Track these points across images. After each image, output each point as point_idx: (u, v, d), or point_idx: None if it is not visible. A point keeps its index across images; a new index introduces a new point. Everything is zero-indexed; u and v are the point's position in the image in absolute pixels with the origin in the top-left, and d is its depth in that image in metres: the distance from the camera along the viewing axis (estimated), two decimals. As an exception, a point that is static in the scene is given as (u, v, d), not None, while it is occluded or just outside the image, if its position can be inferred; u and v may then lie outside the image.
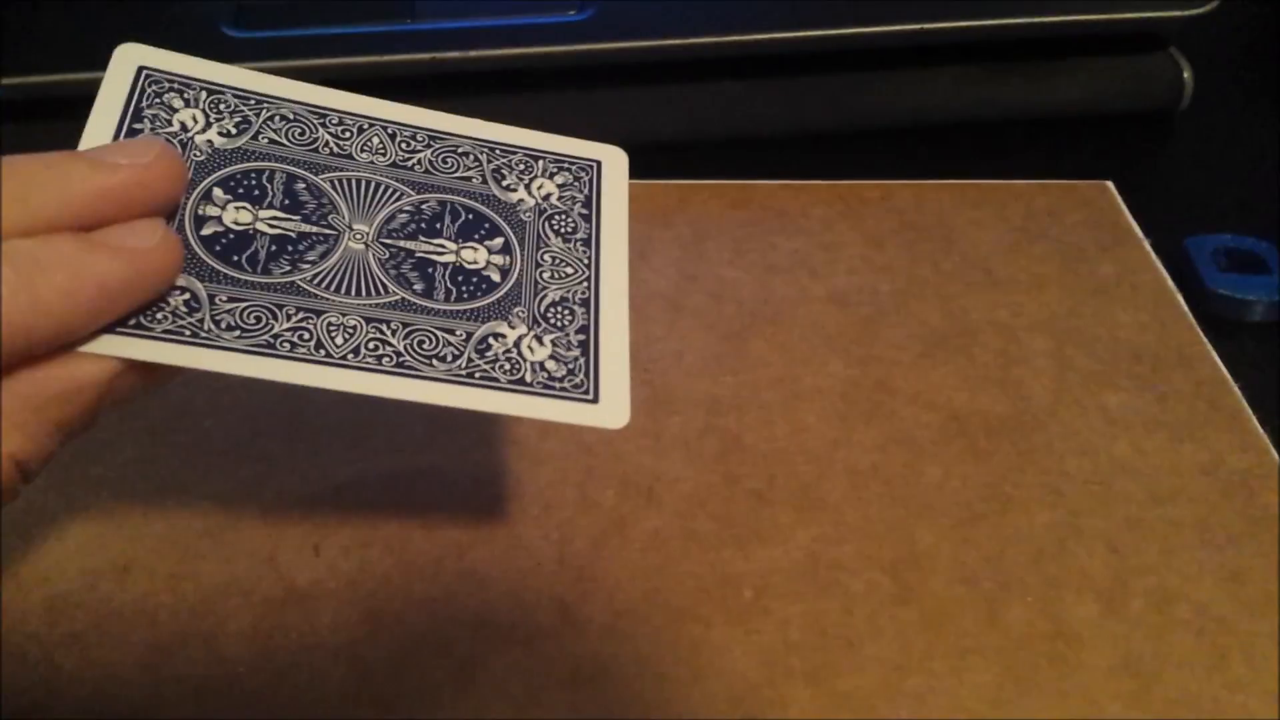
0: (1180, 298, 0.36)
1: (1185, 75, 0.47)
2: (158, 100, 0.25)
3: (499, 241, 0.25)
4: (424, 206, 0.25)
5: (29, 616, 0.27)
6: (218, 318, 0.22)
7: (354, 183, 0.25)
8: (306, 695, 0.25)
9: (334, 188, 0.25)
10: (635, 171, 0.42)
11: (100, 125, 0.24)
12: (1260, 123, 0.49)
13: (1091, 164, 0.43)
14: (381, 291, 0.24)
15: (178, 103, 0.25)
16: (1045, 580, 0.28)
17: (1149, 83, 0.48)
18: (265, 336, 0.22)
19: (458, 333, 0.23)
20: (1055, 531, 0.29)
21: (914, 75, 0.47)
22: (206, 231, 0.23)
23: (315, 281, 0.23)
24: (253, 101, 0.25)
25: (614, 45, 0.43)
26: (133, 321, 0.21)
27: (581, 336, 0.24)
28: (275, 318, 0.23)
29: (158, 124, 0.24)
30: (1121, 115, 0.48)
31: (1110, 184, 0.41)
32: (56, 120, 0.44)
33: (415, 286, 0.24)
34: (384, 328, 0.23)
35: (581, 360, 0.24)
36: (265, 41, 0.42)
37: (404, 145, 0.26)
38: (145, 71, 0.25)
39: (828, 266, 0.38)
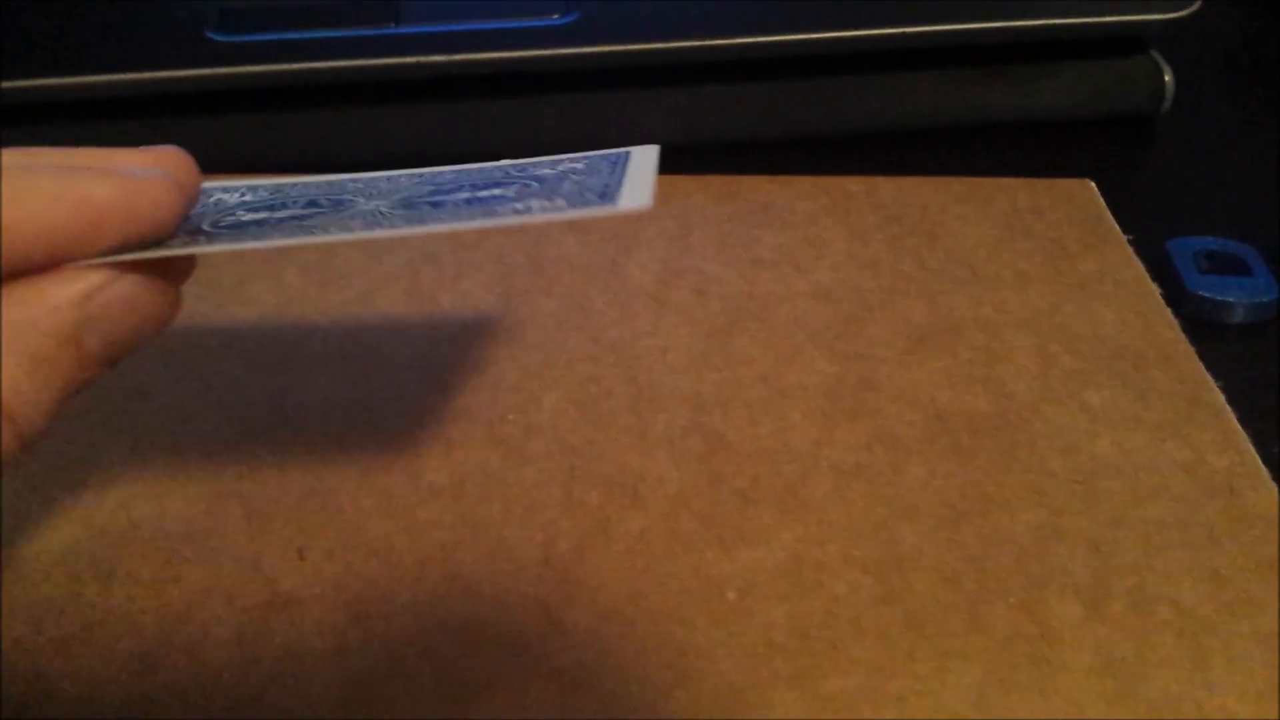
0: (1160, 297, 0.36)
1: (1167, 79, 0.47)
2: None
3: (515, 189, 0.24)
4: (443, 183, 0.25)
5: (13, 622, 0.27)
6: (234, 222, 0.22)
7: (376, 185, 0.25)
8: (292, 700, 0.25)
9: (353, 192, 0.25)
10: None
11: None
12: (1241, 126, 0.49)
13: (1073, 167, 0.43)
14: (396, 218, 0.23)
15: (217, 193, 0.25)
16: (1028, 581, 0.28)
17: (1131, 86, 0.48)
18: (287, 215, 0.23)
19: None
20: (1038, 531, 0.29)
21: (897, 79, 0.47)
22: (225, 223, 0.23)
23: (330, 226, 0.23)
24: (287, 185, 0.25)
25: (598, 49, 0.43)
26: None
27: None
28: (303, 222, 0.23)
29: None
30: (1103, 118, 0.48)
31: (1092, 183, 0.42)
32: (42, 125, 0.44)
33: (432, 201, 0.24)
34: (411, 213, 0.23)
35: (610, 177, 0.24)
36: (249, 45, 0.42)
37: (433, 177, 0.25)
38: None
39: (812, 262, 0.38)
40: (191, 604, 0.27)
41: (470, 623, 0.27)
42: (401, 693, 0.25)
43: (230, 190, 0.25)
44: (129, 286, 0.22)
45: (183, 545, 0.28)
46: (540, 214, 0.22)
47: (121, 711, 0.25)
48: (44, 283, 0.22)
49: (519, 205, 0.23)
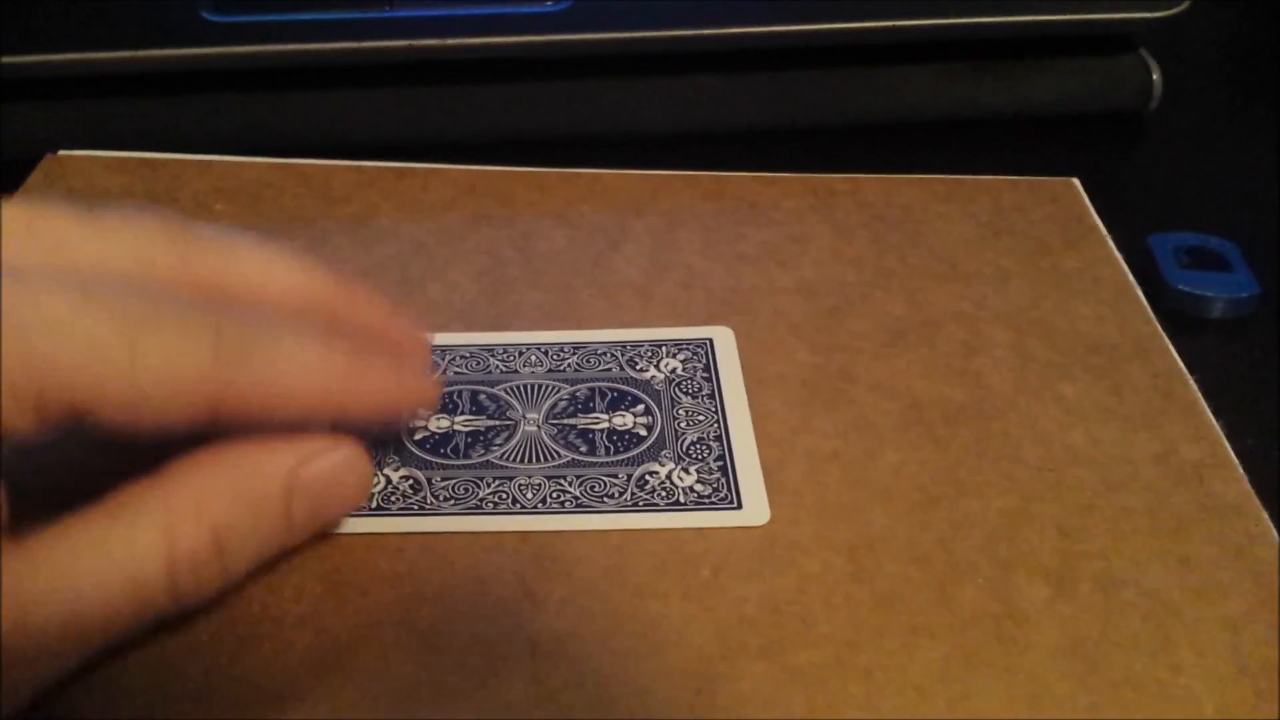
0: (1139, 293, 0.37)
1: (1155, 77, 0.48)
2: None
3: (641, 407, 0.32)
4: (578, 394, 0.33)
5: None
6: (436, 493, 0.30)
7: (522, 387, 0.33)
8: (269, 663, 0.26)
9: (507, 393, 0.33)
10: (609, 162, 0.43)
11: None
12: (1228, 125, 0.50)
13: (1060, 164, 0.43)
14: (556, 457, 0.31)
15: None
16: (996, 563, 0.28)
17: (1118, 84, 0.48)
18: (473, 501, 0.29)
19: (620, 476, 0.30)
20: (1008, 516, 0.30)
21: (886, 73, 0.47)
22: (418, 436, 0.31)
23: (503, 458, 0.31)
24: (438, 350, 0.34)
25: (590, 36, 0.44)
26: (375, 505, 0.29)
27: (720, 463, 0.31)
28: (479, 487, 0.30)
29: None
30: (1091, 116, 0.49)
31: (1076, 181, 0.42)
32: (34, 102, 0.44)
33: (581, 449, 0.31)
34: (562, 481, 0.30)
35: (723, 479, 0.30)
36: (244, 26, 0.43)
37: (555, 357, 0.34)
38: None
39: (796, 258, 0.39)
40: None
41: (445, 592, 0.27)
42: (376, 658, 0.26)
43: None
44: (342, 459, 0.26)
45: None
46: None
47: (98, 671, 0.25)
48: (276, 443, 0.24)
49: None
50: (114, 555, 0.22)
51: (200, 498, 0.23)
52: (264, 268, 0.25)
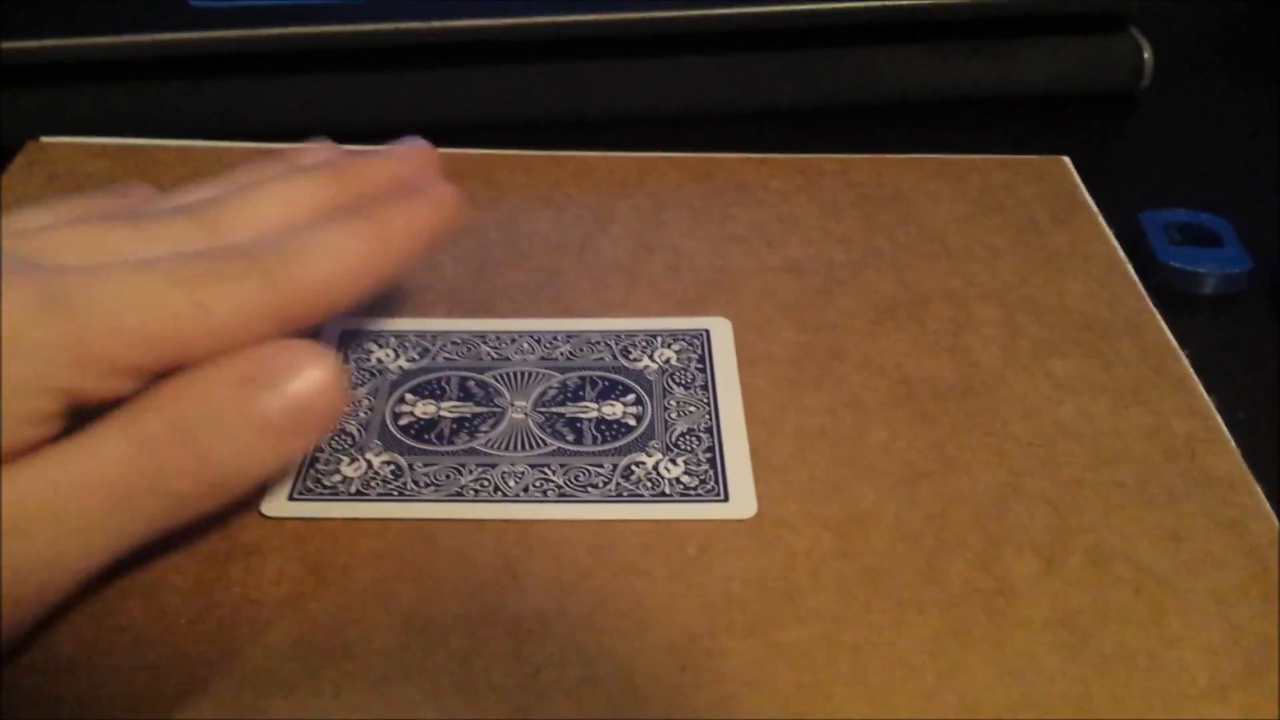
0: (1130, 268, 0.37)
1: (1145, 55, 0.48)
2: (359, 348, 0.33)
3: (631, 397, 0.32)
4: (568, 382, 0.32)
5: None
6: (416, 479, 0.29)
7: (511, 375, 0.32)
8: (249, 646, 0.25)
9: (497, 380, 0.32)
10: (595, 144, 0.42)
11: None
12: (1219, 103, 0.49)
13: (1051, 143, 0.43)
14: (542, 445, 0.30)
15: (373, 347, 0.33)
16: (986, 538, 0.28)
17: (1110, 63, 0.48)
18: (454, 488, 0.29)
19: (605, 466, 0.30)
20: (997, 491, 0.29)
21: (878, 52, 0.47)
22: (403, 421, 0.31)
23: (488, 445, 0.30)
24: (429, 336, 0.34)
25: (576, 19, 0.44)
26: (354, 490, 0.29)
27: (709, 454, 0.30)
28: (460, 473, 0.29)
29: (360, 361, 0.33)
30: (1082, 95, 0.48)
31: (1067, 159, 0.42)
32: (17, 88, 0.44)
33: (568, 437, 0.30)
34: (546, 470, 0.29)
35: (710, 471, 0.30)
36: (227, 11, 0.43)
37: (547, 344, 0.34)
38: (343, 331, 0.34)
39: (784, 237, 0.38)
40: (150, 552, 0.27)
41: (428, 572, 0.27)
42: (358, 639, 0.26)
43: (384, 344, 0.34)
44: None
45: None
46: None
47: (78, 653, 0.25)
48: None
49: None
50: (83, 458, 0.23)
51: (157, 399, 0.24)
52: (276, 201, 0.28)
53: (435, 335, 0.34)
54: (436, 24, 0.43)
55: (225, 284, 0.25)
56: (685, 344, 0.34)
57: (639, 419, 0.31)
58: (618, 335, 0.34)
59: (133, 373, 0.24)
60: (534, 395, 0.32)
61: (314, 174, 0.29)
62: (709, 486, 0.29)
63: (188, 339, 0.24)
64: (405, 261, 0.28)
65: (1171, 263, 0.37)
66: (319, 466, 0.29)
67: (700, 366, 0.33)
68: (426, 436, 0.31)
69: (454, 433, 0.31)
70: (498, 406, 0.31)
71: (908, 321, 0.35)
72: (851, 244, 0.38)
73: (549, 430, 0.31)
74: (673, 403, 0.32)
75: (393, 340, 0.34)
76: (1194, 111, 0.49)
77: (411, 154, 0.32)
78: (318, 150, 0.32)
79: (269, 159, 0.31)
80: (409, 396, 0.32)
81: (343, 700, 0.24)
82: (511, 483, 0.29)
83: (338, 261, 0.26)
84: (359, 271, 0.27)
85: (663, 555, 0.28)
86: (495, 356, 0.33)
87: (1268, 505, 0.29)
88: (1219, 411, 0.32)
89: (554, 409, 0.31)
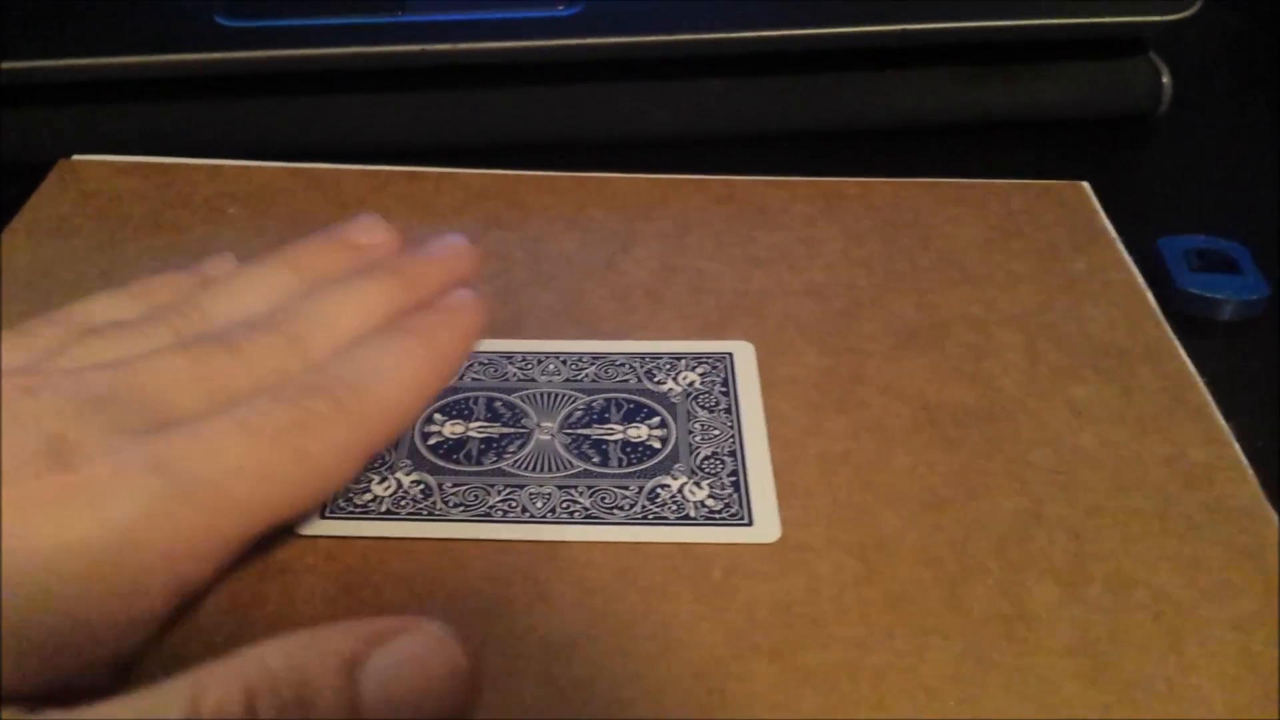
0: (1150, 295, 0.37)
1: (1164, 80, 0.48)
2: None
3: (657, 420, 0.32)
4: (594, 404, 0.33)
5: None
6: (446, 499, 0.30)
7: (538, 396, 0.33)
8: (283, 664, 0.26)
9: (524, 401, 0.33)
10: (619, 166, 0.43)
11: None
12: (1238, 128, 0.50)
13: (1070, 167, 0.43)
14: (568, 467, 0.31)
15: None
16: (1007, 564, 0.29)
17: (1128, 87, 0.48)
18: (482, 508, 0.29)
19: (631, 488, 0.30)
20: (1019, 518, 0.30)
21: (897, 76, 0.48)
22: (432, 441, 0.31)
23: (516, 465, 0.31)
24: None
25: (601, 41, 0.44)
26: (385, 509, 0.29)
27: (733, 478, 0.30)
28: (488, 494, 0.30)
29: None
30: (1100, 119, 0.49)
31: (1086, 185, 0.42)
32: (46, 107, 0.45)
33: (594, 459, 0.31)
34: (573, 491, 0.30)
35: (735, 495, 0.30)
36: (257, 31, 0.43)
37: (574, 366, 0.34)
38: None
39: (806, 261, 0.39)
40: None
41: (459, 593, 0.27)
42: (390, 659, 0.26)
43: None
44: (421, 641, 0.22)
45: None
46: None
47: (116, 671, 0.25)
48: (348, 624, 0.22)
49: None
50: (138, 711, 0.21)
51: (236, 667, 0.22)
52: (347, 310, 0.29)
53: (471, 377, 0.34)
54: (463, 46, 0.43)
55: (317, 426, 0.25)
56: (709, 367, 0.34)
57: (664, 442, 0.32)
58: (642, 358, 0.34)
59: (240, 545, 0.25)
60: (560, 417, 0.32)
61: (380, 280, 0.29)
62: (734, 510, 0.30)
63: (295, 498, 0.25)
64: (453, 375, 0.29)
65: (1190, 289, 0.38)
66: (350, 485, 0.30)
67: (724, 390, 0.33)
68: (455, 456, 0.31)
69: (482, 453, 0.31)
70: (525, 428, 0.32)
71: (929, 346, 0.35)
72: (873, 268, 0.38)
73: (575, 452, 0.31)
74: (697, 426, 0.32)
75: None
76: (1212, 136, 0.49)
77: (457, 253, 0.32)
78: (370, 230, 0.32)
79: (323, 239, 0.31)
80: (437, 416, 0.32)
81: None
82: (539, 504, 0.30)
83: (402, 387, 0.27)
84: (420, 392, 0.27)
85: (688, 578, 0.28)
86: (522, 377, 0.34)
87: (1285, 534, 0.30)
88: (1237, 439, 0.32)
89: (580, 430, 0.32)
